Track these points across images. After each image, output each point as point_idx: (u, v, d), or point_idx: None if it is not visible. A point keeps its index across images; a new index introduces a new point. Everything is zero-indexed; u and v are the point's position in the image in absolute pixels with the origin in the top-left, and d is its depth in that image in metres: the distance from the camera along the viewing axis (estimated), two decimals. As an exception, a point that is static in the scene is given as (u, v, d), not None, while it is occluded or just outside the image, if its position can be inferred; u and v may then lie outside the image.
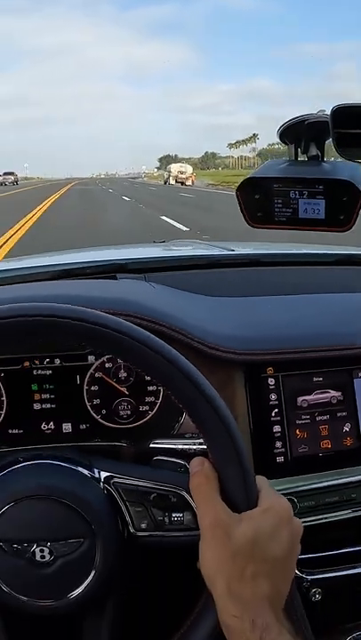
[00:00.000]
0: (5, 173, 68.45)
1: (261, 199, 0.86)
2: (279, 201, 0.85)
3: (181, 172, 56.56)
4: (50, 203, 27.13)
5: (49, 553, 0.78)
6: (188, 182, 54.01)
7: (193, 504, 0.78)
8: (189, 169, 60.21)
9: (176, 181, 55.28)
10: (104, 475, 0.83)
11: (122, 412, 1.10)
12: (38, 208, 21.90)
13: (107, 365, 1.10)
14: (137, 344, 0.71)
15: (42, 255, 2.10)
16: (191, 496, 0.76)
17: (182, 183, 53.98)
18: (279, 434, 1.07)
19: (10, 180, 65.61)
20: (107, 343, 0.72)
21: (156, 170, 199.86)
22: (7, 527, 0.78)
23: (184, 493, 0.81)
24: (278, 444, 1.07)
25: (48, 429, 1.10)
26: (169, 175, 58.36)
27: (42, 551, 0.78)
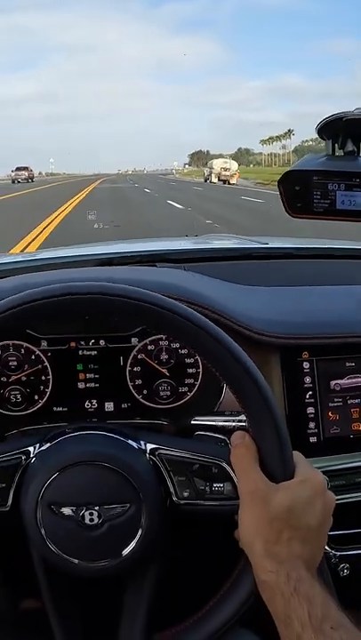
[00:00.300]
0: (18, 169, 57.57)
1: (301, 190, 0.90)
2: (318, 193, 0.90)
3: (225, 169, 48.76)
4: (65, 211, 18.64)
5: (97, 516, 0.82)
6: (233, 180, 46.88)
7: (233, 475, 0.83)
8: (234, 165, 51.83)
9: (219, 179, 47.60)
10: (150, 446, 0.87)
11: (162, 393, 1.16)
12: (38, 230, 13.11)
13: (149, 348, 1.15)
14: (183, 320, 0.78)
15: (80, 246, 2.16)
16: (232, 468, 0.82)
17: (226, 181, 46.56)
18: (313, 415, 1.13)
19: (23, 177, 55.22)
20: (156, 321, 0.79)
21: (187, 166, 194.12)
22: (59, 491, 0.83)
23: (225, 465, 0.84)
24: (312, 424, 1.13)
25: (91, 408, 1.16)
26: (210, 172, 49.99)
27: (91, 514, 0.82)
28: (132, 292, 0.78)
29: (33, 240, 11.54)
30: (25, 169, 57.61)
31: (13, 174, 56.55)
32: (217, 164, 50.67)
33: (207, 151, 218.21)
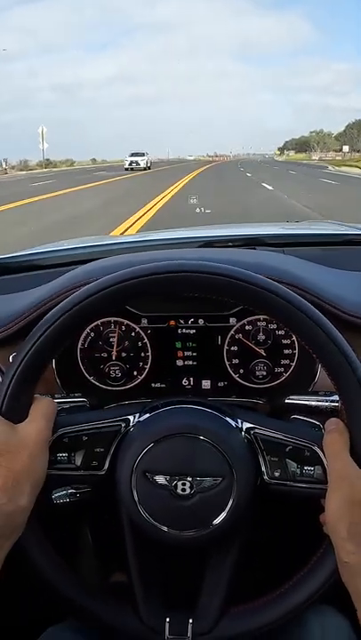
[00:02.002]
0: None
1: None
2: None
3: None
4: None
5: (190, 487, 0.85)
6: None
7: (324, 460, 0.84)
8: None
9: None
10: (246, 425, 0.89)
11: (258, 373, 1.17)
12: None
13: (247, 328, 1.17)
14: (284, 302, 0.80)
15: (180, 229, 2.19)
16: (324, 452, 0.84)
17: None
18: None
19: None
20: (259, 302, 0.81)
21: (289, 152, 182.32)
22: (155, 460, 0.86)
23: (317, 449, 0.85)
24: None
25: (188, 385, 1.19)
26: None
27: (183, 485, 0.85)
28: (239, 273, 0.80)
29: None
30: None
31: None
32: None
33: (327, 131, 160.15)
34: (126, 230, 10.80)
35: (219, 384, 1.20)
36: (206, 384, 1.20)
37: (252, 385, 1.18)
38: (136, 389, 1.19)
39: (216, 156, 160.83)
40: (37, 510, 0.82)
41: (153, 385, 1.20)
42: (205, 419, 0.89)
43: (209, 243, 1.53)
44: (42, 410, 0.84)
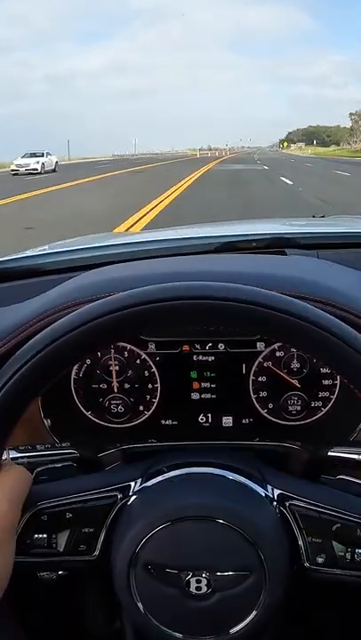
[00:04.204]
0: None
1: None
2: None
3: None
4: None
5: (206, 585, 0.67)
6: None
7: None
8: None
9: None
10: (277, 492, 0.72)
11: (291, 408, 0.98)
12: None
13: (277, 354, 0.98)
14: (323, 332, 0.62)
15: (201, 225, 2.00)
16: None
17: None
18: None
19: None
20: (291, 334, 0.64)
21: (300, 144, 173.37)
22: (160, 549, 0.68)
23: None
24: None
25: (206, 422, 1.01)
26: None
27: (198, 582, 0.67)
28: (263, 297, 0.63)
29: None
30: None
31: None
32: None
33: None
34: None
35: (243, 421, 1.00)
36: (228, 421, 1.00)
37: (283, 422, 0.99)
38: (143, 427, 1.01)
39: (210, 150, 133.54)
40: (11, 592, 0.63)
41: (163, 422, 1.01)
42: (225, 491, 0.71)
43: (232, 244, 1.34)
44: (7, 485, 0.64)
